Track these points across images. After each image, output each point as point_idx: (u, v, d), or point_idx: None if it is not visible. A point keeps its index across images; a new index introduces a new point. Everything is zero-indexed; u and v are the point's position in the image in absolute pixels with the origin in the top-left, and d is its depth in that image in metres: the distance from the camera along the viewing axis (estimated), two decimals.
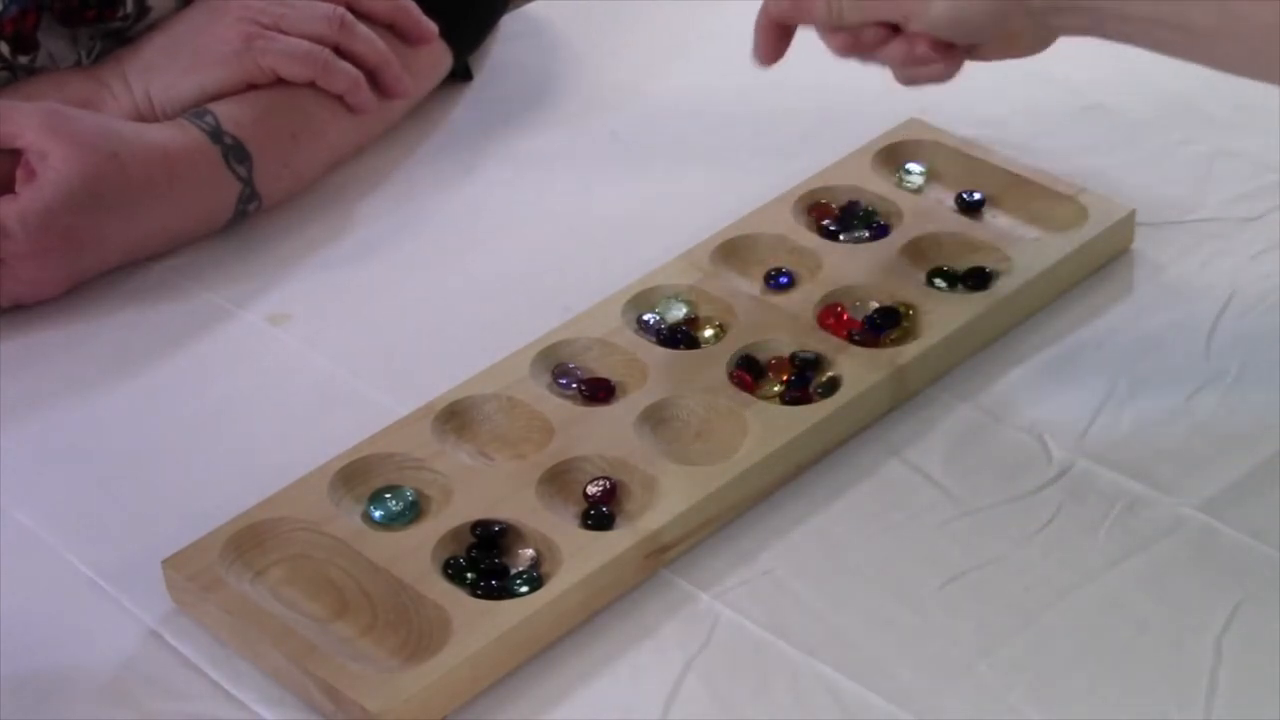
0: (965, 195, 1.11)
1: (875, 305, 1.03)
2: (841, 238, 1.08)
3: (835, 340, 1.00)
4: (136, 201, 1.08)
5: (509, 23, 1.32)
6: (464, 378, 0.98)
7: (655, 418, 0.96)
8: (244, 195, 1.12)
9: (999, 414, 0.99)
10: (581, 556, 0.88)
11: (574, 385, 0.99)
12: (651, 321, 1.02)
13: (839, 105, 1.18)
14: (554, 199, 1.17)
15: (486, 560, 0.89)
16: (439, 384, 0.98)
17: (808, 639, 0.87)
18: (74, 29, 1.16)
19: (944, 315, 1.01)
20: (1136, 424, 0.98)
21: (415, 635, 0.87)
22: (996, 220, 1.10)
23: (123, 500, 0.96)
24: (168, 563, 0.89)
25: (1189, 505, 0.93)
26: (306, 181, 1.16)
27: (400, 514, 0.92)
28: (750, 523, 0.93)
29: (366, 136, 1.19)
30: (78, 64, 1.17)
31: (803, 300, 1.03)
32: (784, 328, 1.01)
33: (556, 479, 0.93)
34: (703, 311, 1.03)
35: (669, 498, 0.91)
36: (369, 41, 1.17)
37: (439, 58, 1.23)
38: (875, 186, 1.11)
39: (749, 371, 0.99)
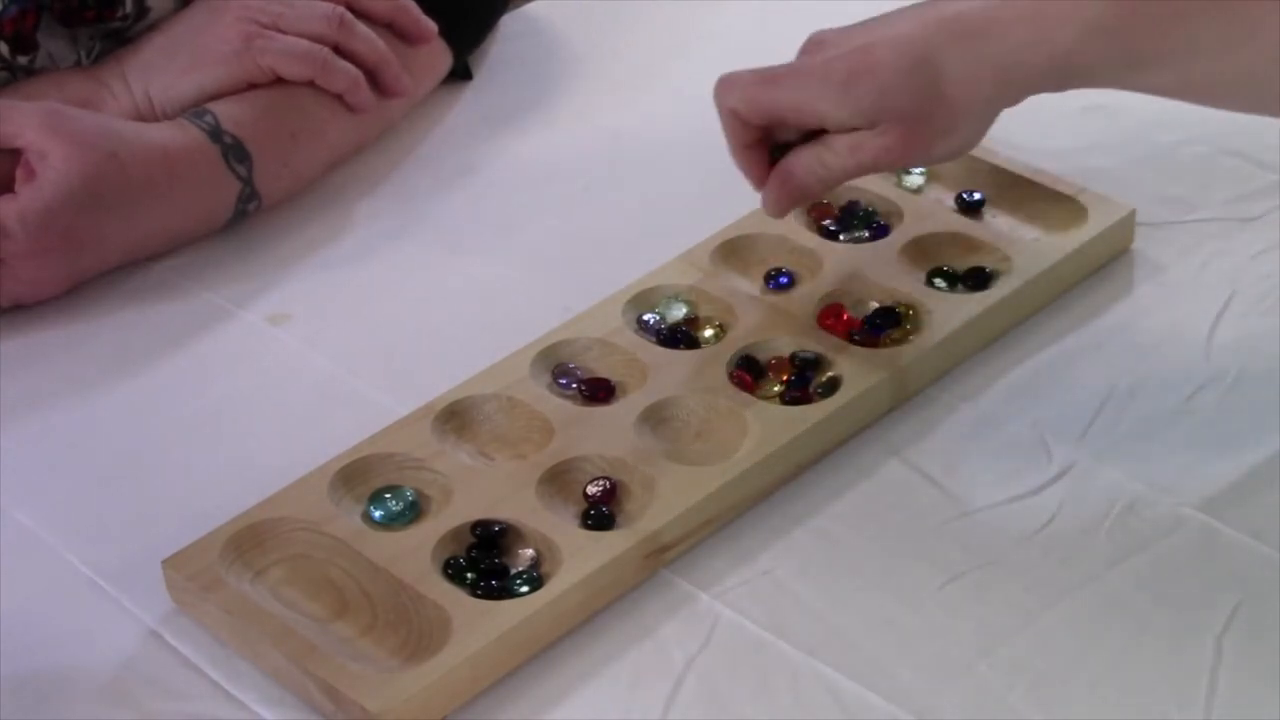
0: (965, 195, 1.11)
1: (875, 305, 1.03)
2: (841, 238, 1.08)
3: (835, 340, 1.00)
4: (136, 201, 1.08)
5: (509, 23, 1.32)
6: (464, 378, 0.98)
7: (655, 418, 0.96)
8: (244, 195, 1.12)
9: (999, 414, 0.99)
10: (581, 556, 0.88)
11: (574, 385, 0.99)
12: (651, 321, 1.02)
13: None
14: (554, 199, 1.17)
15: (486, 560, 0.89)
16: (439, 384, 0.98)
17: (808, 639, 0.87)
18: (74, 29, 1.16)
19: (944, 315, 1.01)
20: (1136, 424, 0.98)
21: (415, 635, 0.87)
22: (996, 220, 1.10)
23: (123, 500, 0.96)
24: (168, 563, 0.89)
25: (1189, 505, 0.93)
26: (306, 181, 1.16)
27: (400, 514, 0.92)
28: (750, 523, 0.93)
29: (366, 136, 1.19)
30: (77, 64, 1.17)
31: (803, 300, 1.03)
32: (784, 328, 1.01)
33: (556, 479, 0.93)
34: (703, 311, 1.03)
35: (669, 498, 0.91)
36: (368, 41, 1.17)
37: (439, 57, 1.23)
38: (875, 186, 1.11)
39: (749, 371, 0.99)
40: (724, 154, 1.19)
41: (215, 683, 0.87)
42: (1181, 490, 0.94)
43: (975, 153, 1.12)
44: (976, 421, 0.99)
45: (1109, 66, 0.92)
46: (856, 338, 1.01)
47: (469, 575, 0.89)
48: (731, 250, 1.07)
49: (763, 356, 1.00)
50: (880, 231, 1.08)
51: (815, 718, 0.84)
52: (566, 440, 0.95)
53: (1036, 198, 1.10)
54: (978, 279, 1.05)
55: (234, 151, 1.11)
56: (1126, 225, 1.08)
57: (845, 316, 1.02)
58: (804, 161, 0.96)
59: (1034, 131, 1.17)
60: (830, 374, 0.98)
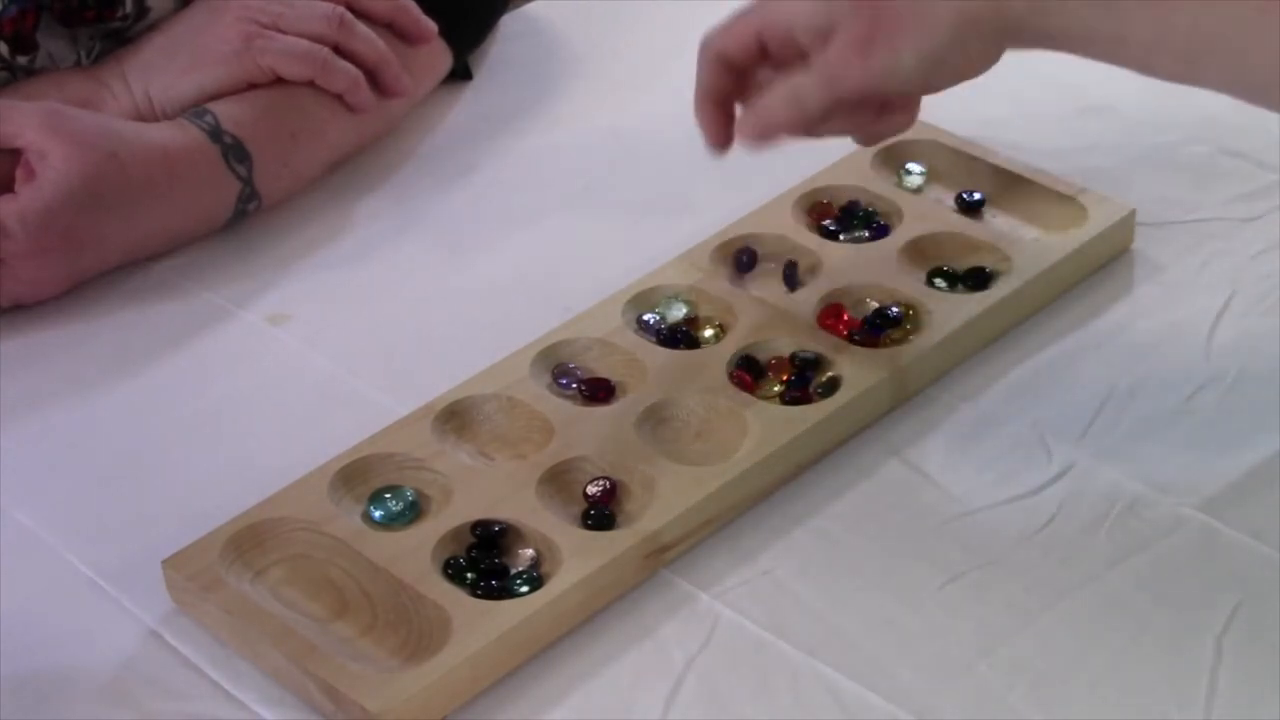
0: (965, 195, 1.11)
1: (875, 305, 1.03)
2: (841, 238, 1.08)
3: (835, 340, 1.00)
4: (136, 201, 1.08)
5: (509, 23, 1.32)
6: (464, 378, 0.98)
7: (655, 418, 0.96)
8: (244, 195, 1.12)
9: (999, 414, 0.99)
10: (581, 556, 0.88)
11: (574, 385, 0.99)
12: (651, 321, 1.02)
13: None
14: (554, 199, 1.17)
15: (486, 560, 0.89)
16: (439, 384, 0.98)
17: (808, 639, 0.87)
18: (74, 29, 1.16)
19: (944, 315, 1.01)
20: (1136, 424, 0.98)
21: (415, 635, 0.87)
22: (996, 220, 1.10)
23: (123, 500, 0.96)
24: (168, 563, 0.89)
25: (1189, 505, 0.93)
26: (306, 181, 1.16)
27: (400, 514, 0.92)
28: (750, 523, 0.93)
29: (366, 136, 1.19)
30: (77, 64, 1.17)
31: (803, 300, 1.03)
32: (784, 328, 1.01)
33: (556, 479, 0.93)
34: (703, 311, 1.03)
35: (669, 498, 0.91)
36: (368, 41, 1.17)
37: (439, 57, 1.23)
38: (875, 186, 1.11)
39: (749, 371, 0.99)
40: None
41: (215, 683, 0.87)
42: (1181, 490, 0.94)
43: (975, 153, 1.13)
44: (976, 421, 0.99)
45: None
46: (856, 338, 1.01)
47: (469, 575, 0.89)
48: (731, 250, 1.07)
49: (763, 356, 1.00)
50: (880, 231, 1.08)
51: (815, 718, 0.84)
52: (566, 440, 0.95)
53: (1036, 198, 1.10)
54: (978, 279, 1.05)
55: (234, 151, 1.11)
56: (1126, 225, 1.08)
57: (845, 316, 1.02)
58: (775, 90, 0.95)
59: (1034, 131, 1.17)
60: (830, 374, 0.98)
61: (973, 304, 1.02)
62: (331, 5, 1.16)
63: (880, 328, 1.01)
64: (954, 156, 1.13)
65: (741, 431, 0.95)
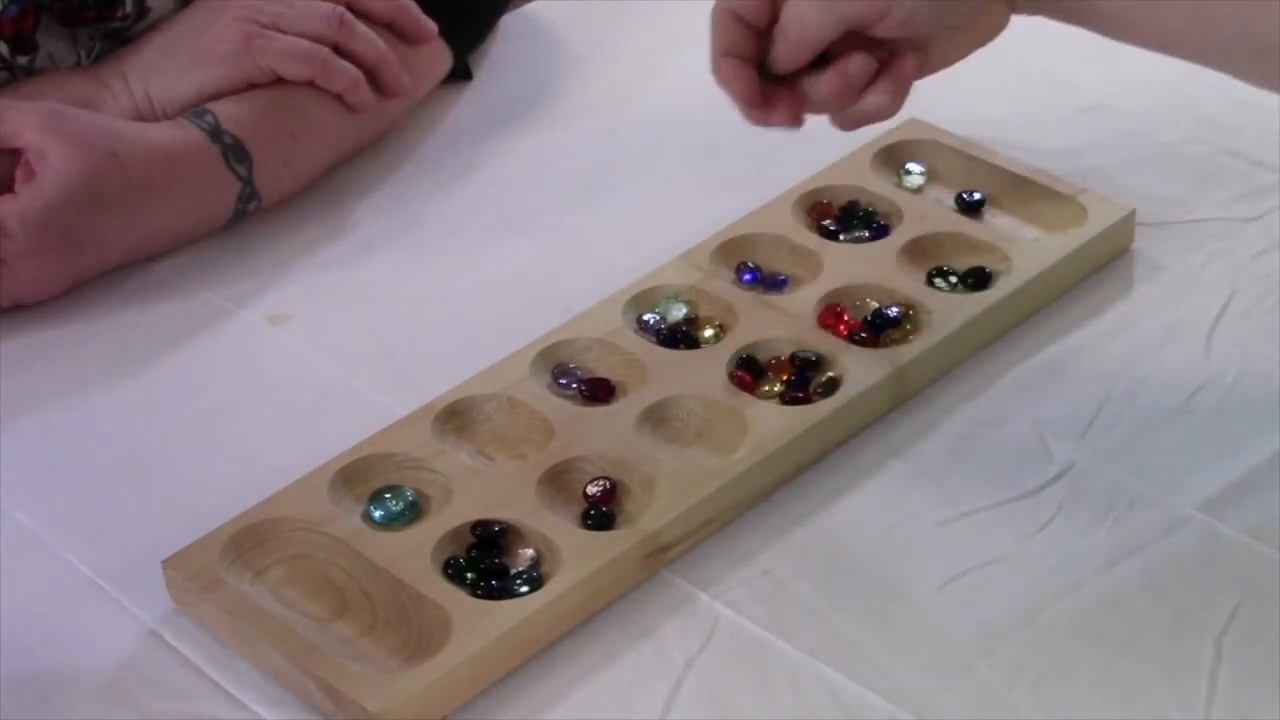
0: (965, 195, 1.11)
1: (875, 305, 1.03)
2: (841, 238, 1.08)
3: (835, 340, 1.00)
4: (136, 201, 1.08)
5: (509, 23, 1.32)
6: (464, 378, 0.98)
7: (655, 418, 0.96)
8: (244, 194, 1.12)
9: (999, 414, 0.99)
10: (581, 556, 0.88)
11: (574, 385, 0.99)
12: (651, 321, 1.02)
13: None
14: (554, 199, 1.17)
15: (486, 560, 0.89)
16: (439, 384, 0.98)
17: (808, 639, 0.87)
18: (74, 29, 1.16)
19: (944, 315, 1.01)
20: (1136, 424, 0.98)
21: (415, 635, 0.87)
22: (996, 220, 1.10)
23: (123, 500, 0.96)
24: (168, 563, 0.89)
25: (1189, 505, 0.93)
26: (306, 181, 1.16)
27: (400, 514, 0.92)
28: (750, 523, 0.93)
29: (366, 136, 1.19)
30: (77, 64, 1.17)
31: (803, 300, 1.03)
32: (784, 328, 1.01)
33: (556, 479, 0.93)
34: (703, 311, 1.03)
35: (669, 498, 0.91)
36: (368, 40, 1.17)
37: (439, 57, 1.23)
38: (875, 186, 1.11)
39: (749, 371, 0.99)
40: (724, 153, 1.19)
41: (215, 683, 0.87)
42: (1181, 490, 0.94)
43: (975, 153, 1.13)
44: (976, 421, 0.99)
45: None
46: (856, 338, 1.01)
47: (469, 575, 0.89)
48: (731, 250, 1.07)
49: (763, 356, 1.00)
50: (880, 231, 1.08)
51: (815, 718, 0.84)
52: (566, 440, 0.95)
53: (1036, 198, 1.10)
54: (978, 279, 1.05)
55: (234, 151, 1.11)
56: (1126, 225, 1.08)
57: (845, 316, 1.02)
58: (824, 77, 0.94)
59: (1034, 131, 1.17)
60: (830, 374, 0.98)
61: (973, 304, 1.02)
62: (331, 5, 1.16)
63: (880, 328, 1.01)
64: (954, 156, 1.13)
65: (741, 431, 0.95)
